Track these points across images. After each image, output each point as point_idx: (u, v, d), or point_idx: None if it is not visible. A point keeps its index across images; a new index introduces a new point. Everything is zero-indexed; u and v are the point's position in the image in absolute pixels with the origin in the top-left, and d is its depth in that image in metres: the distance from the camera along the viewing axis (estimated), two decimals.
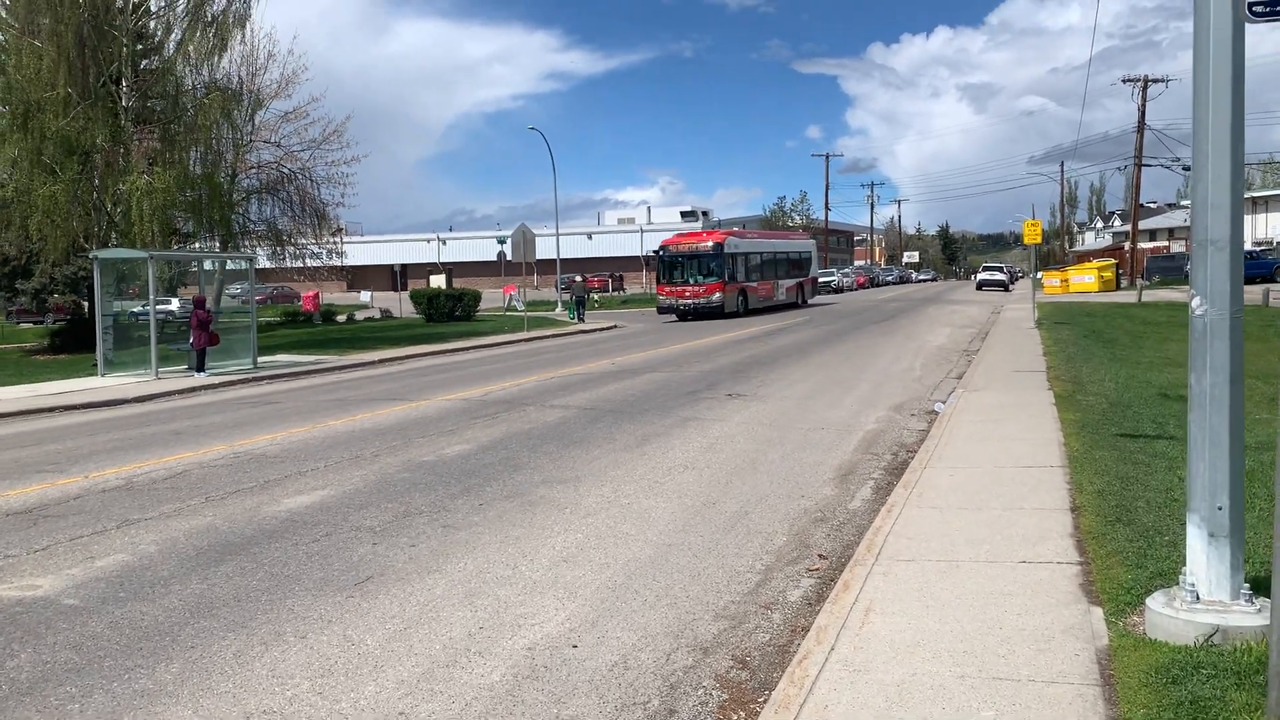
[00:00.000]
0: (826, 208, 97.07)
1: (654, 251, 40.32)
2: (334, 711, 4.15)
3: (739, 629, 5.14)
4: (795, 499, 7.85)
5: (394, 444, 10.69)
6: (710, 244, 38.19)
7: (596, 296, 66.19)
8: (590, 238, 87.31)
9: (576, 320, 41.39)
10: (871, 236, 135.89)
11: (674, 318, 38.01)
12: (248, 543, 6.74)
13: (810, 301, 46.97)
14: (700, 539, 6.70)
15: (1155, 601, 4.59)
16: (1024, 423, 10.38)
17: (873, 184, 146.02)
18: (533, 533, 6.89)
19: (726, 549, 6.49)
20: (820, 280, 76.26)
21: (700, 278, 37.76)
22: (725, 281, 37.37)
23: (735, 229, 46.77)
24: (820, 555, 6.41)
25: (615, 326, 35.08)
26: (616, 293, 73.05)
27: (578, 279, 50.40)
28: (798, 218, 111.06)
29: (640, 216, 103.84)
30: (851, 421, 11.60)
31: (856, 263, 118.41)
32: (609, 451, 9.88)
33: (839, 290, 73.43)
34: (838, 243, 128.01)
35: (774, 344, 23.55)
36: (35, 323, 43.15)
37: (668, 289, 38.68)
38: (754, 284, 40.28)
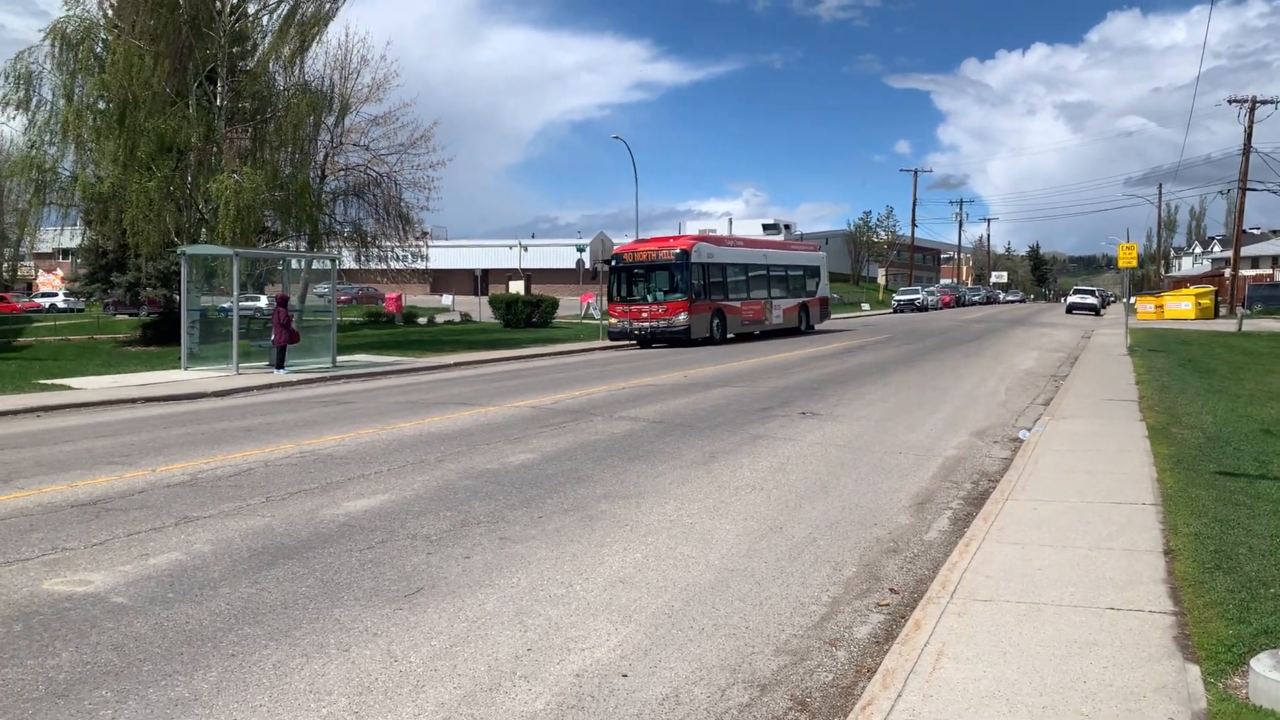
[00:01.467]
0: (913, 224, 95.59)
1: (605, 261, 33.32)
2: None
3: (800, 666, 4.83)
4: (867, 527, 7.48)
5: (459, 450, 10.58)
6: (674, 251, 30.88)
7: None
8: None
9: None
10: (959, 255, 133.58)
11: (634, 344, 31.20)
12: (302, 546, 6.64)
13: (819, 327, 39.30)
14: (764, 565, 6.39)
15: (1261, 663, 4.16)
16: (1114, 455, 9.83)
17: (961, 201, 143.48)
18: (590, 549, 6.66)
19: (792, 577, 6.17)
20: (904, 298, 75.18)
21: (661, 294, 30.78)
22: (693, 299, 30.32)
23: (710, 234, 38.82)
24: (891, 589, 6.06)
25: None
26: None
27: None
28: (883, 233, 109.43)
29: (721, 228, 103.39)
30: (931, 446, 11.14)
31: (942, 281, 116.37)
32: (675, 468, 9.62)
33: (923, 309, 72.16)
34: (924, 260, 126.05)
35: (852, 361, 23.03)
36: (129, 315, 44.51)
37: (620, 308, 31.52)
38: (735, 303, 33.07)
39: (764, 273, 35.67)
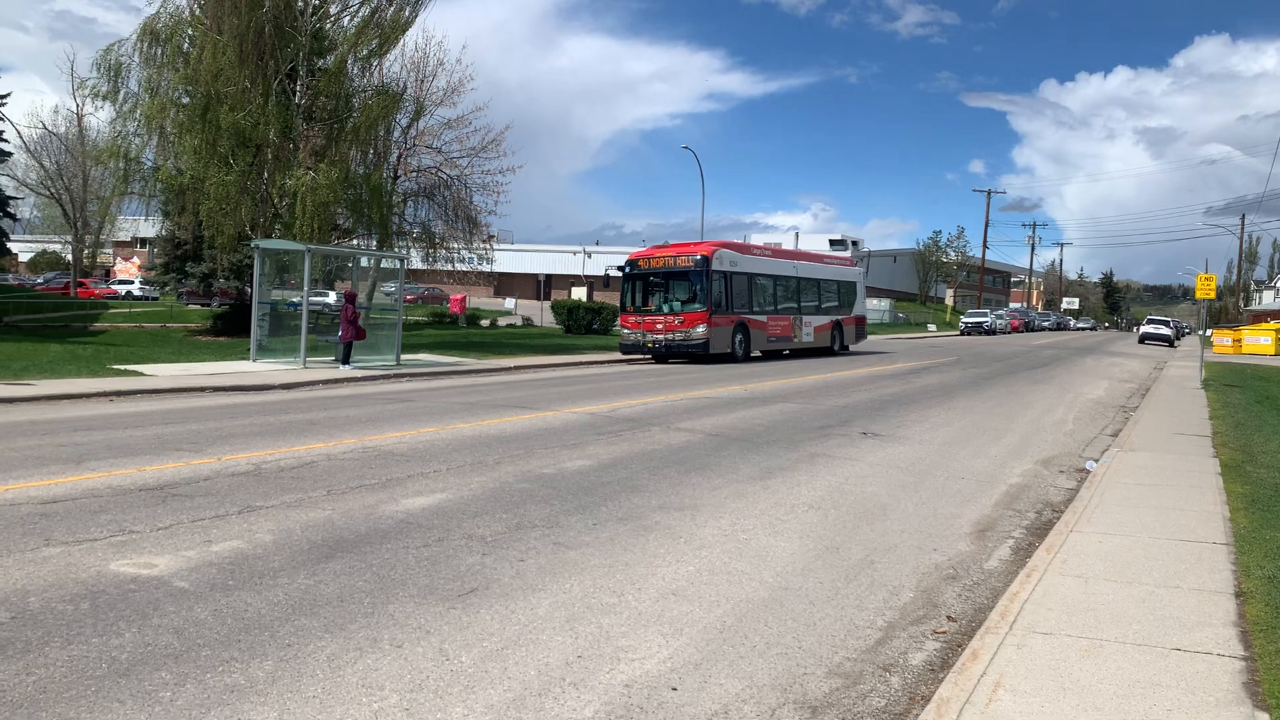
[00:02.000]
0: (985, 245, 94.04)
1: (618, 268, 30.75)
2: None
3: (853, 690, 4.75)
4: (927, 552, 7.36)
5: (516, 453, 10.64)
6: (693, 258, 28.43)
7: None
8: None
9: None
10: (1030, 279, 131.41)
11: (649, 359, 28.95)
12: (360, 541, 6.72)
13: (854, 348, 36.88)
14: (820, 586, 6.32)
15: None
16: (1184, 491, 9.55)
17: (1034, 224, 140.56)
18: (643, 559, 6.64)
19: (847, 599, 6.09)
20: (972, 321, 74.02)
21: (678, 304, 28.49)
22: (712, 310, 27.88)
23: (734, 241, 35.26)
24: (949, 617, 5.94)
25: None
26: None
27: None
28: (953, 253, 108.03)
29: (787, 241, 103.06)
30: (995, 473, 10.94)
31: (1012, 305, 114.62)
32: (731, 482, 9.56)
33: (991, 332, 71.02)
34: (993, 282, 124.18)
35: (916, 383, 22.73)
36: (202, 305, 45.61)
37: (634, 319, 29.18)
38: (760, 317, 30.56)
39: (794, 286, 33.23)
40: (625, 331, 29.47)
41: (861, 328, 37.96)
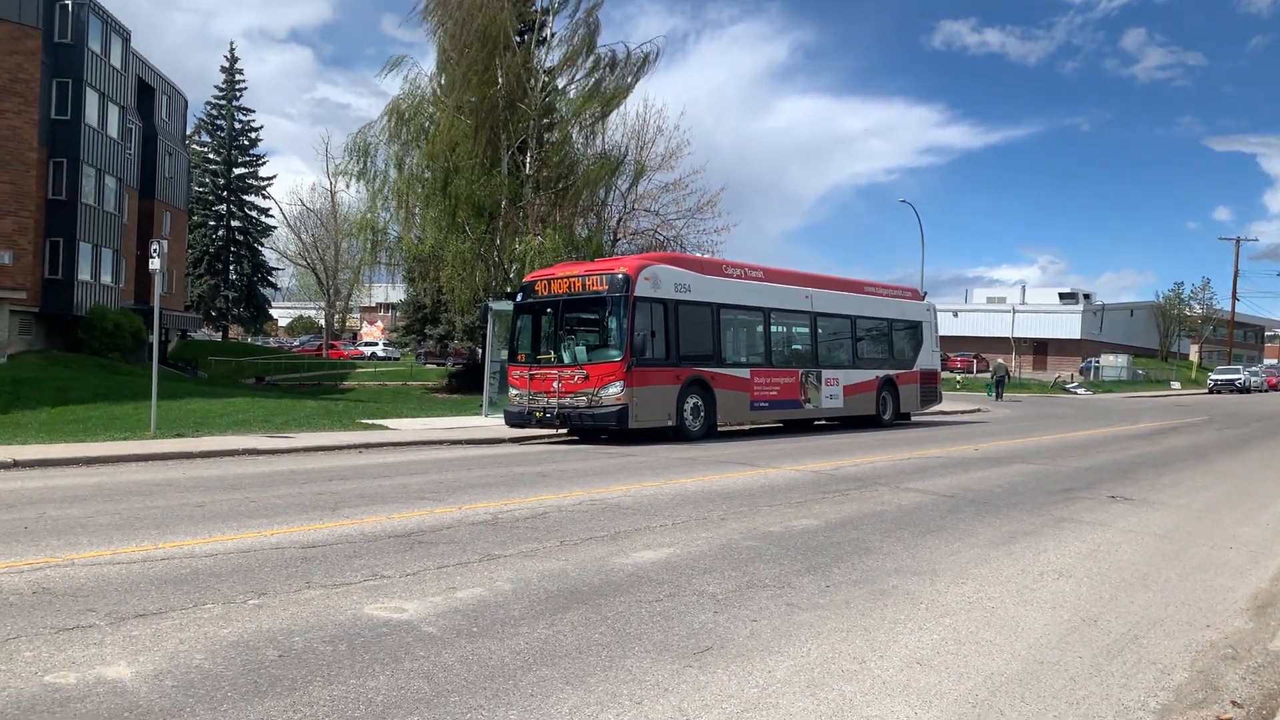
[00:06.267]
0: (1234, 297, 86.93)
1: (508, 295, 23.51)
2: None
3: None
4: (1198, 628, 6.67)
5: (740, 510, 10.53)
6: (609, 277, 18.89)
7: (959, 378, 63.86)
8: (956, 315, 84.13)
9: (994, 398, 43.78)
10: None
11: (548, 438, 19.96)
12: (594, 593, 6.78)
13: (917, 416, 27.45)
14: (1078, 660, 5.83)
15: None
16: None
17: None
18: (882, 625, 6.35)
19: (1111, 677, 5.58)
20: (1222, 378, 68.17)
21: (583, 351, 19.15)
22: (635, 359, 18.37)
23: (687, 255, 26.69)
24: (1234, 702, 5.33)
25: (979, 410, 33.21)
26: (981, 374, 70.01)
27: (999, 359, 53.05)
28: (1197, 306, 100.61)
29: (1013, 296, 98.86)
30: (1268, 543, 9.87)
31: (1267, 361, 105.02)
32: (970, 546, 9.06)
33: (1244, 390, 65.25)
34: (1245, 337, 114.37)
35: (1165, 444, 21.03)
36: (438, 364, 48.42)
37: (521, 371, 19.73)
38: (737, 371, 20.87)
39: (805, 324, 23.20)
40: (512, 392, 20.00)
41: (932, 387, 27.67)
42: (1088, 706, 5.11)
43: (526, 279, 21.28)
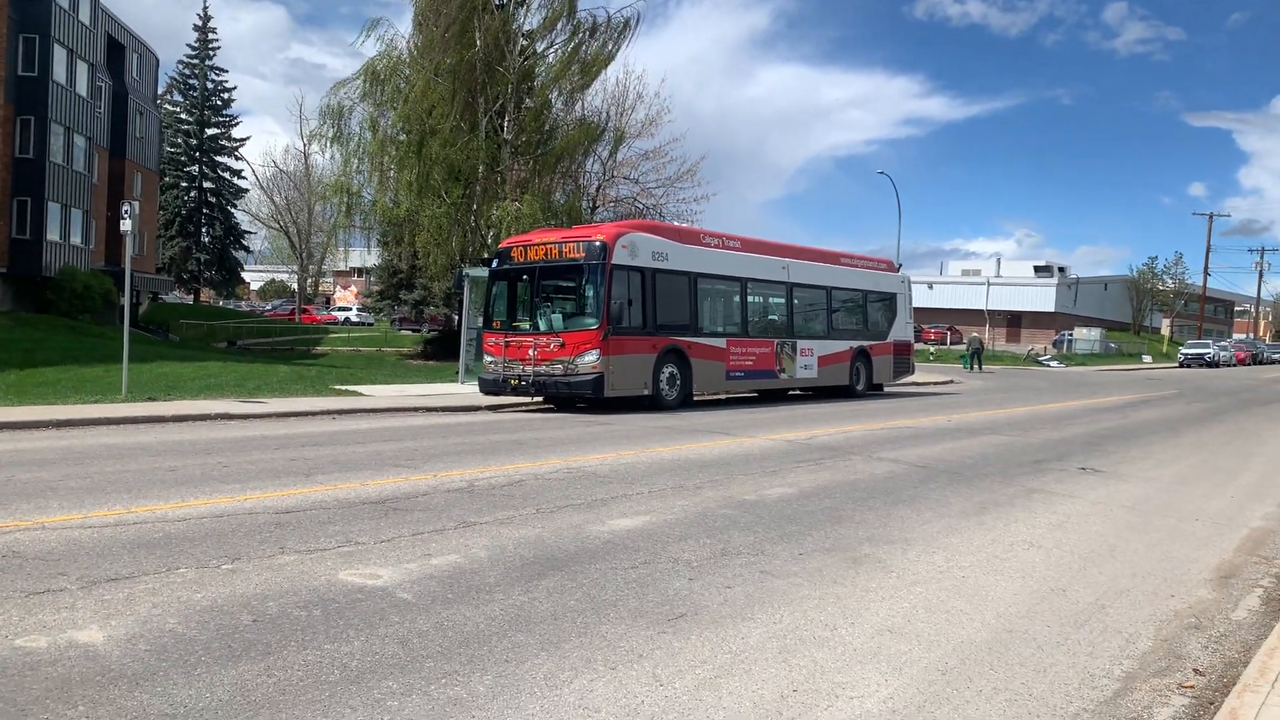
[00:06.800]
0: (1205, 272, 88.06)
1: (484, 261, 22.83)
2: None
3: None
4: (1163, 598, 6.79)
5: (716, 478, 10.58)
6: (586, 244, 18.97)
7: (933, 350, 64.30)
8: (931, 288, 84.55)
9: (976, 370, 45.02)
10: (1257, 308, 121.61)
11: (520, 406, 20.07)
12: (570, 560, 6.81)
13: (889, 388, 27.89)
14: (1046, 629, 5.92)
15: None
16: None
17: (1263, 249, 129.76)
18: (854, 593, 6.42)
19: (1078, 645, 5.67)
20: (1192, 352, 69.03)
21: (559, 319, 19.23)
22: (611, 327, 18.47)
23: (665, 224, 25.91)
24: (1196, 670, 5.43)
25: (952, 381, 33.48)
26: (955, 346, 70.54)
27: (974, 333, 54.86)
28: (1170, 281, 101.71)
29: (987, 269, 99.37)
30: (1233, 515, 10.04)
31: (1236, 336, 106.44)
32: (941, 516, 9.16)
33: (1214, 364, 66.15)
34: (1215, 311, 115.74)
35: (1134, 417, 21.30)
36: (413, 330, 48.16)
37: (496, 338, 19.88)
38: (713, 340, 21.12)
39: (781, 295, 23.47)
40: (487, 359, 20.10)
41: (906, 359, 28.06)
42: (1055, 674, 5.20)
43: (502, 245, 21.24)
